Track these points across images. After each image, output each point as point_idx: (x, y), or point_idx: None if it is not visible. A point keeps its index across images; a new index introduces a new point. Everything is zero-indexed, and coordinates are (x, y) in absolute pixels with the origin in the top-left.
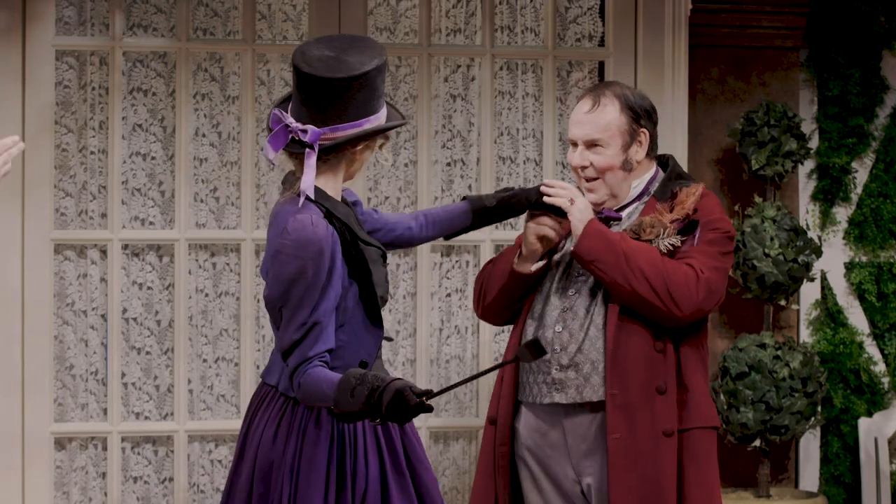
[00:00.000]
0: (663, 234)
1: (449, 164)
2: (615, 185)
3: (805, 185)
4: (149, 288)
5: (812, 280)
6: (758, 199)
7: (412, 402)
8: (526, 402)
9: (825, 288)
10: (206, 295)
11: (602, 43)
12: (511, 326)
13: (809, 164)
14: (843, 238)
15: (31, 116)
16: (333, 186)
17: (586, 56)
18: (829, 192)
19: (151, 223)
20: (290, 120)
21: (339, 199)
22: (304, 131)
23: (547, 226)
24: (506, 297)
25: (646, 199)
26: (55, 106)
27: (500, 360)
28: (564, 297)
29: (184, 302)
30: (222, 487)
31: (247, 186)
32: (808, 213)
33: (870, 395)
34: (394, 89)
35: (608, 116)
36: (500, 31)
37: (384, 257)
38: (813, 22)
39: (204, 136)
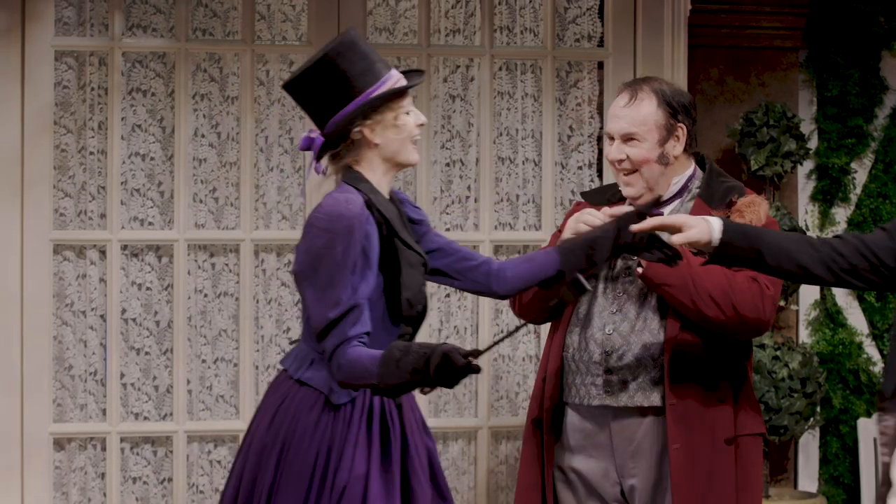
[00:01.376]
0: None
1: (448, 165)
2: (652, 179)
3: (804, 185)
4: (148, 288)
5: None
6: None
7: (459, 363)
8: (572, 404)
9: (824, 288)
10: (205, 295)
11: (601, 43)
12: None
13: (809, 165)
14: None
15: (31, 117)
16: (373, 174)
17: (585, 56)
18: (829, 192)
19: (150, 224)
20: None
21: (385, 194)
22: (301, 141)
23: (586, 221)
24: (541, 301)
25: (688, 197)
26: (54, 106)
27: (504, 340)
28: (614, 298)
29: (183, 302)
30: (221, 488)
31: (246, 187)
32: (807, 214)
33: (869, 396)
34: None
35: (645, 110)
36: (499, 32)
37: (424, 266)
38: (812, 22)
39: (203, 136)
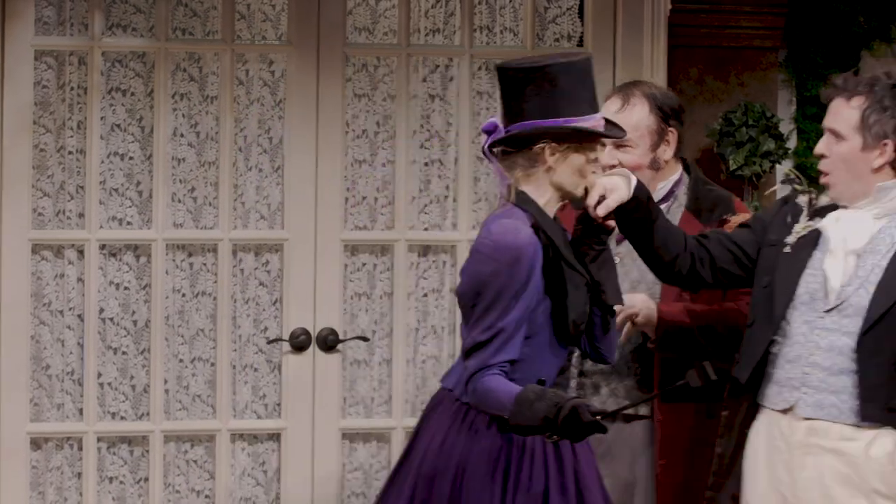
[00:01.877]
0: None
1: (427, 164)
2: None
3: (783, 185)
4: (126, 288)
5: None
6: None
7: (586, 419)
8: None
9: None
10: (183, 295)
11: (581, 43)
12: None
13: (787, 165)
14: None
15: (10, 116)
16: (541, 196)
17: None
18: (808, 193)
19: (129, 223)
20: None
21: (551, 214)
22: (489, 132)
23: None
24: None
25: (674, 203)
26: (33, 106)
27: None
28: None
29: (160, 302)
30: (198, 488)
31: (224, 187)
32: None
33: None
34: (372, 89)
35: (637, 116)
36: (479, 31)
37: (588, 286)
38: (792, 22)
39: (182, 136)
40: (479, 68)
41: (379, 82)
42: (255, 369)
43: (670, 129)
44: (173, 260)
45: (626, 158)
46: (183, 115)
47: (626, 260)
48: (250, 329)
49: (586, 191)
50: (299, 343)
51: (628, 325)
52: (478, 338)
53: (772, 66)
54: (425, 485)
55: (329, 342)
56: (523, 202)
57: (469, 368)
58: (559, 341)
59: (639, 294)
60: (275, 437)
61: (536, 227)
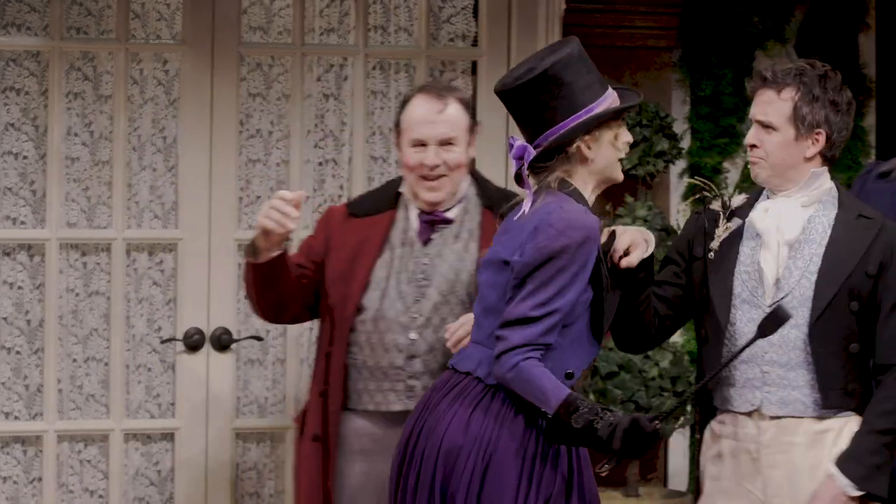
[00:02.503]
0: None
1: (321, 164)
2: (456, 186)
3: (677, 184)
4: (19, 287)
5: None
6: (629, 199)
7: (649, 429)
8: (361, 411)
9: None
10: (77, 294)
11: (475, 43)
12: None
13: (681, 164)
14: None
15: None
16: (585, 189)
17: (459, 56)
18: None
19: (23, 223)
20: (518, 144)
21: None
22: (520, 157)
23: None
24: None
25: (469, 202)
26: None
27: None
28: (413, 301)
29: (54, 301)
30: (91, 487)
31: (118, 186)
32: (679, 213)
33: None
34: (266, 88)
35: (457, 114)
36: (373, 31)
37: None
38: (686, 22)
39: (76, 135)
40: (374, 68)
41: (273, 81)
42: (149, 369)
43: (477, 127)
44: (67, 259)
45: (451, 157)
46: (77, 115)
47: (436, 261)
48: (144, 329)
49: (613, 234)
50: (193, 343)
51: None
52: (529, 313)
53: (666, 66)
54: (445, 462)
55: (223, 342)
56: (575, 194)
57: (510, 341)
58: (594, 336)
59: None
60: (168, 436)
61: None
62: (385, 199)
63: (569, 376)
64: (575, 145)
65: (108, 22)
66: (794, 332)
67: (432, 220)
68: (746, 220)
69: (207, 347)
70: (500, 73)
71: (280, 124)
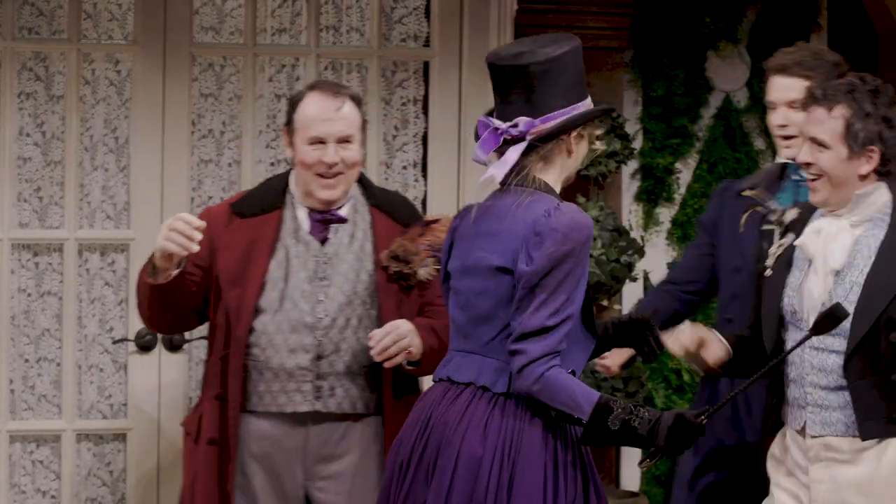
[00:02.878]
0: (423, 262)
1: (273, 164)
2: (351, 183)
3: (629, 185)
4: None
5: (634, 280)
6: (581, 199)
7: (695, 423)
8: (263, 413)
9: (647, 288)
10: (29, 295)
11: (427, 43)
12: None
13: (633, 165)
14: (666, 238)
15: None
16: (556, 185)
17: (411, 56)
18: (653, 192)
19: None
20: (498, 122)
21: None
22: (515, 125)
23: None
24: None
25: (356, 201)
26: None
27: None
28: (317, 302)
29: (6, 302)
30: (44, 488)
31: (70, 186)
32: (631, 214)
33: (692, 395)
34: (218, 88)
35: (353, 112)
36: (325, 31)
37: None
38: (638, 22)
39: (28, 135)
40: (326, 68)
41: (225, 82)
42: (101, 369)
43: (366, 126)
44: (19, 259)
45: (348, 155)
46: (29, 115)
47: (334, 261)
48: (96, 329)
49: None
50: (145, 343)
51: (402, 356)
52: (546, 322)
53: (618, 67)
54: (469, 473)
55: (175, 342)
56: (549, 191)
57: (530, 354)
58: (589, 331)
59: (403, 322)
60: (120, 437)
61: None
62: (271, 198)
63: (572, 374)
64: (569, 135)
65: (59, 22)
66: (833, 358)
67: (326, 219)
68: (798, 242)
69: (159, 348)
70: (453, 74)
71: (232, 125)
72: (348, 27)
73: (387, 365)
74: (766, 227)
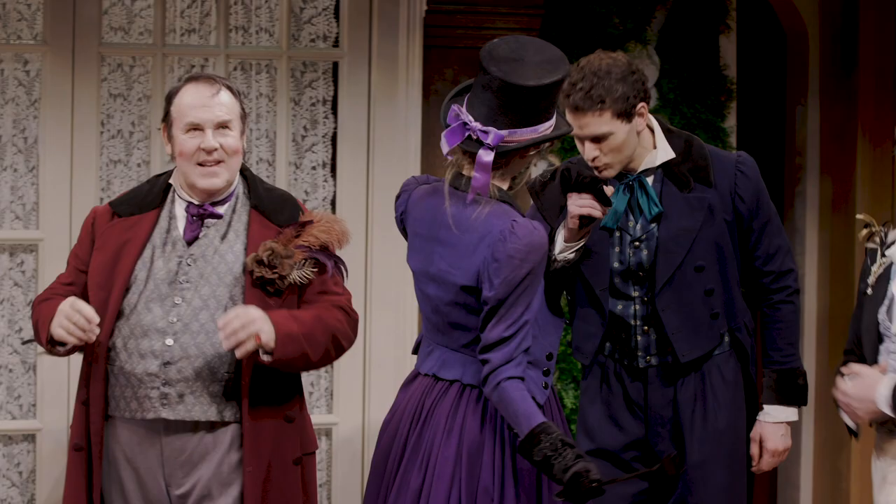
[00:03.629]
0: (297, 265)
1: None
2: (234, 173)
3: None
4: None
5: None
6: None
7: (584, 487)
8: (121, 418)
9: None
10: None
11: (337, 43)
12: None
13: (542, 165)
14: None
15: None
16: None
17: (320, 57)
18: None
19: None
20: (470, 119)
21: None
22: (486, 132)
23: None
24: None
25: (237, 201)
26: None
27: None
28: (172, 306)
29: None
30: None
31: None
32: None
33: None
34: (128, 89)
35: (230, 99)
36: (234, 32)
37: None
38: (548, 23)
39: None
40: (235, 68)
41: (134, 82)
42: (10, 370)
43: (246, 118)
44: None
45: (228, 142)
46: None
47: (199, 262)
48: (5, 329)
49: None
50: None
51: (252, 342)
52: (504, 333)
53: None
54: (472, 459)
55: None
56: (508, 199)
57: (493, 363)
58: (553, 312)
59: (251, 307)
60: (30, 437)
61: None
62: (150, 197)
63: (549, 357)
64: (531, 152)
65: None
66: None
67: (201, 214)
68: (888, 253)
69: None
70: (362, 74)
71: (141, 125)
72: (257, 27)
73: (238, 353)
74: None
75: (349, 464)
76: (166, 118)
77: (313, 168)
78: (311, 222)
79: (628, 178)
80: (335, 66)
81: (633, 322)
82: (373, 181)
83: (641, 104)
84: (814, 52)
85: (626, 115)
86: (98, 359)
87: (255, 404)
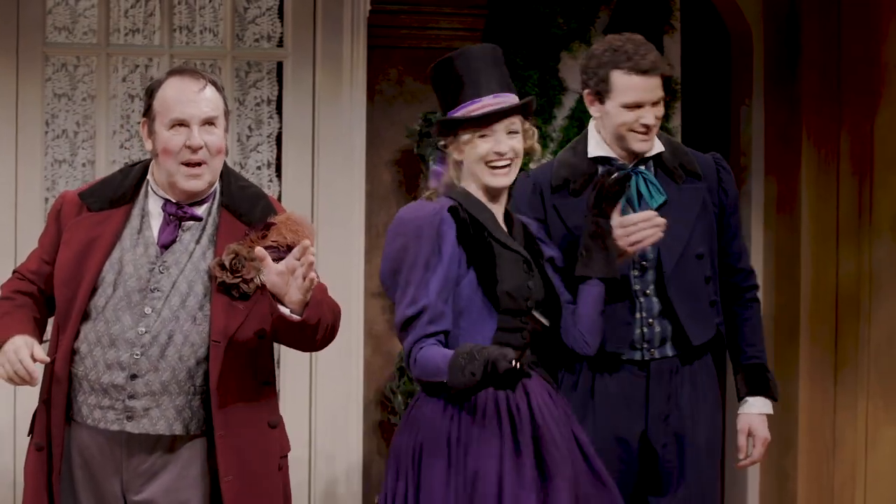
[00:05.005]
0: (263, 268)
1: (127, 164)
2: (216, 174)
3: None
4: None
5: None
6: None
7: (501, 369)
8: (82, 424)
9: None
10: None
11: (281, 43)
12: None
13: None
14: None
15: None
16: (469, 186)
17: (265, 57)
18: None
19: None
20: None
21: (489, 202)
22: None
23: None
24: None
25: (212, 203)
26: None
27: None
28: (141, 316)
29: None
30: None
31: None
32: None
33: None
34: (72, 89)
35: (216, 96)
36: (178, 32)
37: (528, 263)
38: (491, 23)
39: None
40: None
41: (79, 82)
42: None
43: (229, 116)
44: None
45: (213, 140)
46: None
47: (172, 270)
48: None
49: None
50: None
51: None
52: (406, 312)
53: None
54: (392, 467)
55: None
56: (450, 190)
57: (406, 344)
58: (496, 309)
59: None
60: None
61: (454, 208)
62: (122, 191)
63: None
64: (443, 143)
65: None
66: None
67: (180, 216)
68: None
69: None
70: (306, 74)
71: (86, 125)
72: (202, 27)
73: (304, 279)
74: None
75: (296, 463)
76: (148, 113)
77: (258, 168)
78: (281, 220)
79: (627, 168)
80: (279, 66)
81: (637, 315)
82: (318, 181)
83: None
84: (758, 52)
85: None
86: (61, 359)
87: (231, 414)
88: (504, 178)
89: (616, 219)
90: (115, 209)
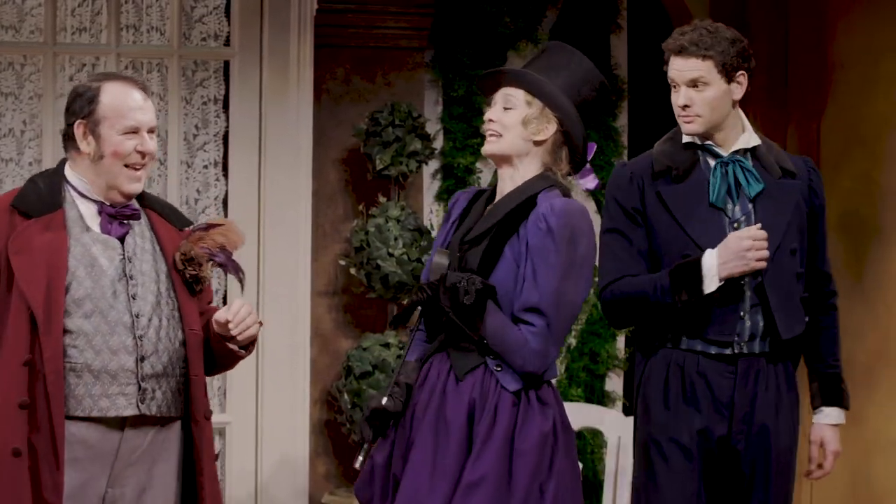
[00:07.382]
0: (209, 267)
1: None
2: (147, 177)
3: (430, 185)
4: None
5: None
6: (382, 199)
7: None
8: (77, 417)
9: None
10: None
11: (228, 42)
12: None
13: (434, 165)
14: None
15: None
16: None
17: (211, 56)
18: (454, 192)
19: None
20: None
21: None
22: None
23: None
24: None
25: (135, 201)
26: None
27: None
28: (128, 302)
29: None
30: None
31: None
32: (432, 213)
33: None
34: (19, 88)
35: (152, 104)
36: (125, 30)
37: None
38: (438, 23)
39: None
40: (126, 67)
41: (25, 81)
42: None
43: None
44: None
45: (153, 146)
46: None
47: (136, 259)
48: None
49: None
50: None
51: (256, 328)
52: None
53: (418, 67)
54: None
55: None
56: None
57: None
58: None
59: (237, 299)
60: None
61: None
62: (51, 197)
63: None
64: None
65: None
66: None
67: (119, 214)
68: None
69: None
70: (253, 73)
71: (32, 124)
72: (148, 26)
73: (241, 337)
74: None
75: (243, 462)
76: (89, 116)
77: (205, 167)
78: (217, 225)
79: (724, 157)
80: (226, 64)
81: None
82: (265, 180)
83: (742, 73)
84: None
85: (727, 72)
86: (51, 357)
87: (200, 401)
88: (486, 146)
89: (753, 231)
90: (52, 213)
